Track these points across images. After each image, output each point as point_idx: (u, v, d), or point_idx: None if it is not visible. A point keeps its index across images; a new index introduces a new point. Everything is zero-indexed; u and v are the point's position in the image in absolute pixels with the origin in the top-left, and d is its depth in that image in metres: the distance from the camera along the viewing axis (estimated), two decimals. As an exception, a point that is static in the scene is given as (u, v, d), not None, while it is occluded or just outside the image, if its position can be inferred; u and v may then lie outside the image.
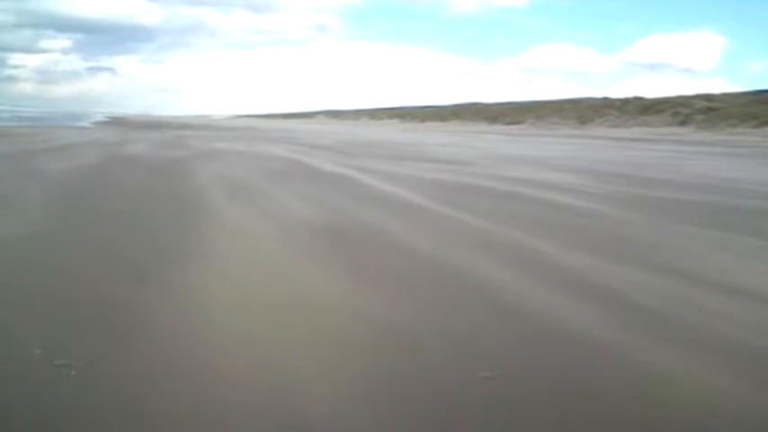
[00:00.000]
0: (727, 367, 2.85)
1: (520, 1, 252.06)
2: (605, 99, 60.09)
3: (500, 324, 3.37)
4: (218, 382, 2.57)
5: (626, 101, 56.40)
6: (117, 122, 52.96)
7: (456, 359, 2.87)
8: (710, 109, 46.48)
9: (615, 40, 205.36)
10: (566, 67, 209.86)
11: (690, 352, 3.02)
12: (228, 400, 2.40)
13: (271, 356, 2.85)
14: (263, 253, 4.93)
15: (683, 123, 46.26)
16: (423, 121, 71.79)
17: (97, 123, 49.72)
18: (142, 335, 3.09)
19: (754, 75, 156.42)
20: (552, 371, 2.78)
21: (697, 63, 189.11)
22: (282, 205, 7.43)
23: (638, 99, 55.79)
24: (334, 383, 2.58)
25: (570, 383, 2.65)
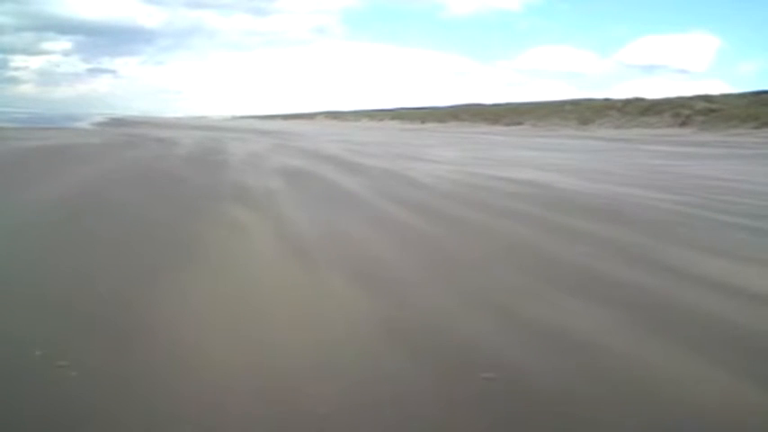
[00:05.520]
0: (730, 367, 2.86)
1: (515, 4, 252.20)
2: (606, 100, 60.00)
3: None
4: (218, 382, 2.58)
5: (627, 102, 56.32)
6: (121, 123, 52.85)
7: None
8: (711, 110, 46.43)
9: (610, 41, 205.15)
10: (562, 68, 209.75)
11: (691, 351, 3.03)
12: (228, 401, 2.41)
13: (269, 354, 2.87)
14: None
15: (683, 124, 46.20)
16: (423, 122, 71.60)
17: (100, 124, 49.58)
18: (143, 335, 3.10)
19: (747, 75, 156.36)
20: (553, 365, 2.79)
21: (691, 64, 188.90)
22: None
23: (639, 100, 55.70)
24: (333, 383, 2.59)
25: (571, 381, 2.66)
